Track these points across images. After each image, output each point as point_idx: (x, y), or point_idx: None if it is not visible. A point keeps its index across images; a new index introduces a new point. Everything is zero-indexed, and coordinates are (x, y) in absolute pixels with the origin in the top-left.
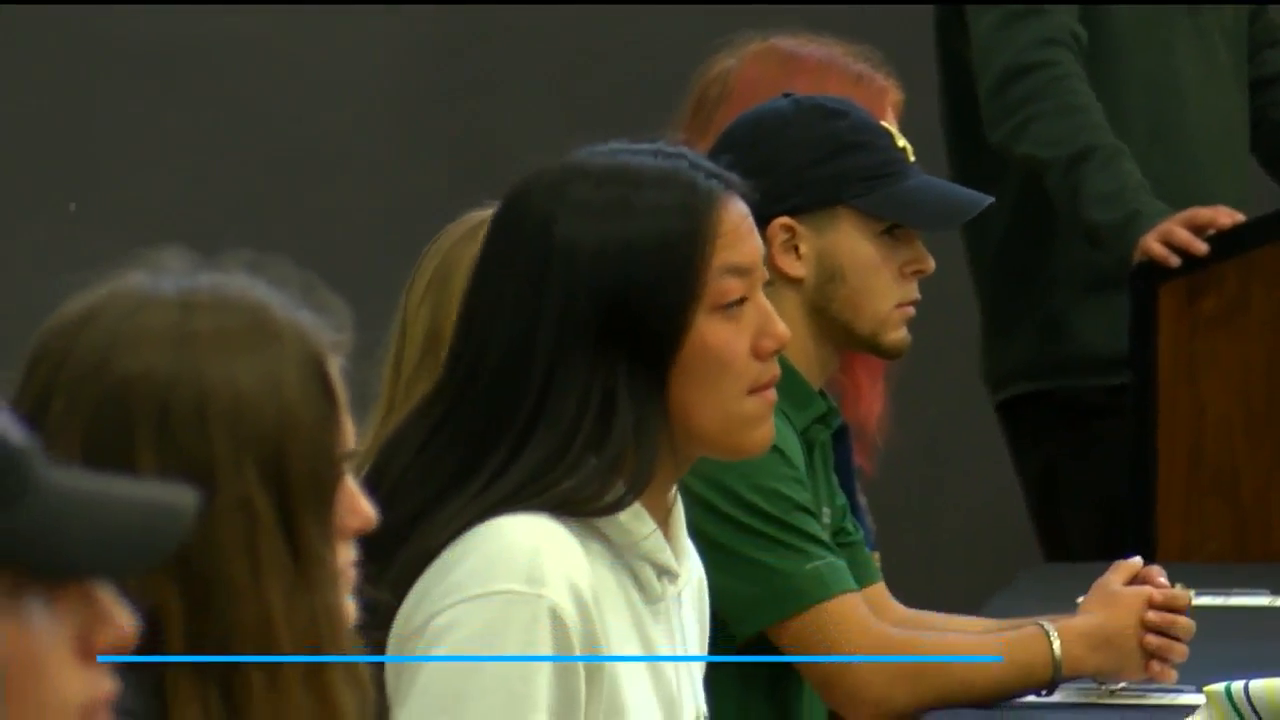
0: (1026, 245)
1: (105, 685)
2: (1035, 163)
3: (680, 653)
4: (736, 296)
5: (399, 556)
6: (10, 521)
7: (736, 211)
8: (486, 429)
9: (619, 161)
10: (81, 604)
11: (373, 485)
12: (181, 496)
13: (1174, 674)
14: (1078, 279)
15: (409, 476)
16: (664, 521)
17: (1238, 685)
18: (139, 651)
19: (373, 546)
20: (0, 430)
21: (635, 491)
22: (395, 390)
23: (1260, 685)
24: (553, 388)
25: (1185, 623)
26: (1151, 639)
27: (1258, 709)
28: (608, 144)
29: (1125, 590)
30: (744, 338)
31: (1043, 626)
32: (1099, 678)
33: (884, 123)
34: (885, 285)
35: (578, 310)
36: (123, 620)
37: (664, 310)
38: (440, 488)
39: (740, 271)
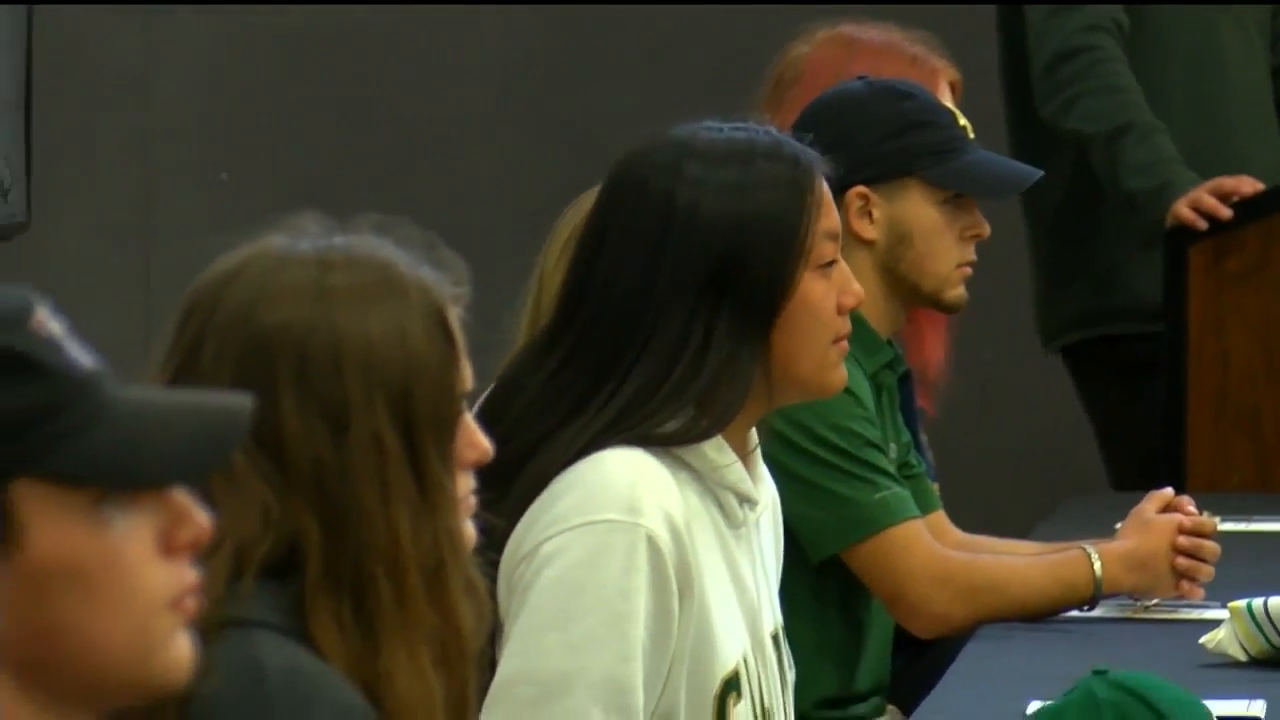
0: (1080, 209)
1: (189, 577)
2: (1080, 136)
3: (759, 572)
4: (830, 258)
5: (516, 483)
6: (87, 444)
7: (824, 183)
8: (599, 369)
9: (730, 138)
10: (161, 506)
11: (495, 417)
12: (239, 401)
13: (1201, 592)
14: (1127, 238)
15: (531, 409)
16: (745, 454)
17: (1258, 602)
18: (284, 571)
19: (493, 474)
20: (72, 359)
21: (721, 425)
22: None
23: (1279, 601)
24: (662, 336)
25: (1212, 546)
26: (1181, 561)
27: (1275, 623)
28: (704, 122)
29: (1158, 517)
30: (834, 294)
31: (1085, 549)
32: (1135, 595)
33: (945, 103)
34: (947, 248)
35: (693, 270)
36: (199, 518)
37: (775, 270)
38: (558, 419)
39: (833, 236)
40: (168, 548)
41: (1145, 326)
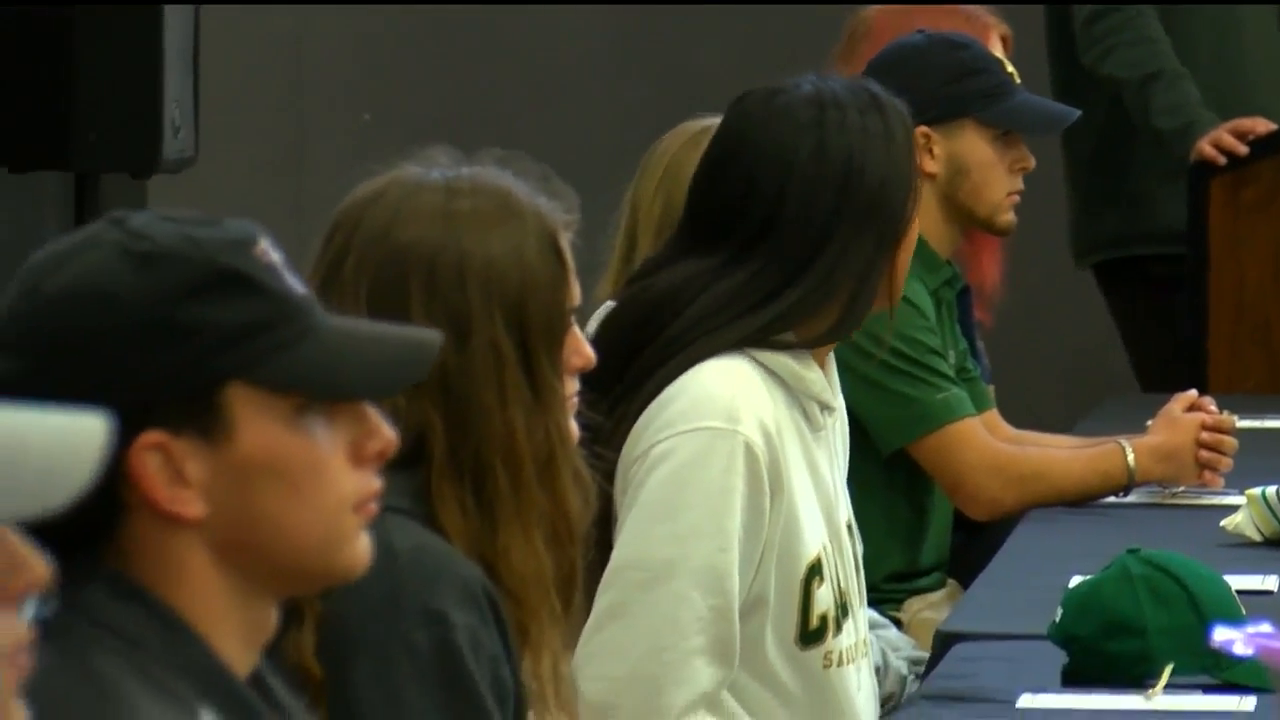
0: (1113, 145)
1: (374, 485)
2: (1115, 81)
3: (835, 470)
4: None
5: (649, 384)
6: (296, 358)
7: None
8: (749, 285)
9: (855, 88)
10: (354, 420)
11: (651, 322)
12: (430, 335)
13: (1221, 481)
14: (1154, 172)
15: (695, 318)
16: (824, 366)
17: (1272, 489)
18: (411, 462)
19: (628, 372)
20: (289, 285)
21: (854, 328)
22: (625, 263)
23: None
24: (813, 259)
25: (1231, 441)
26: (1204, 453)
27: None
28: (809, 75)
29: (1184, 415)
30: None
31: (1120, 443)
32: (1163, 484)
33: (995, 53)
34: (999, 178)
35: (850, 203)
36: (386, 432)
37: (907, 198)
38: (716, 325)
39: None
40: (357, 457)
41: (1167, 249)
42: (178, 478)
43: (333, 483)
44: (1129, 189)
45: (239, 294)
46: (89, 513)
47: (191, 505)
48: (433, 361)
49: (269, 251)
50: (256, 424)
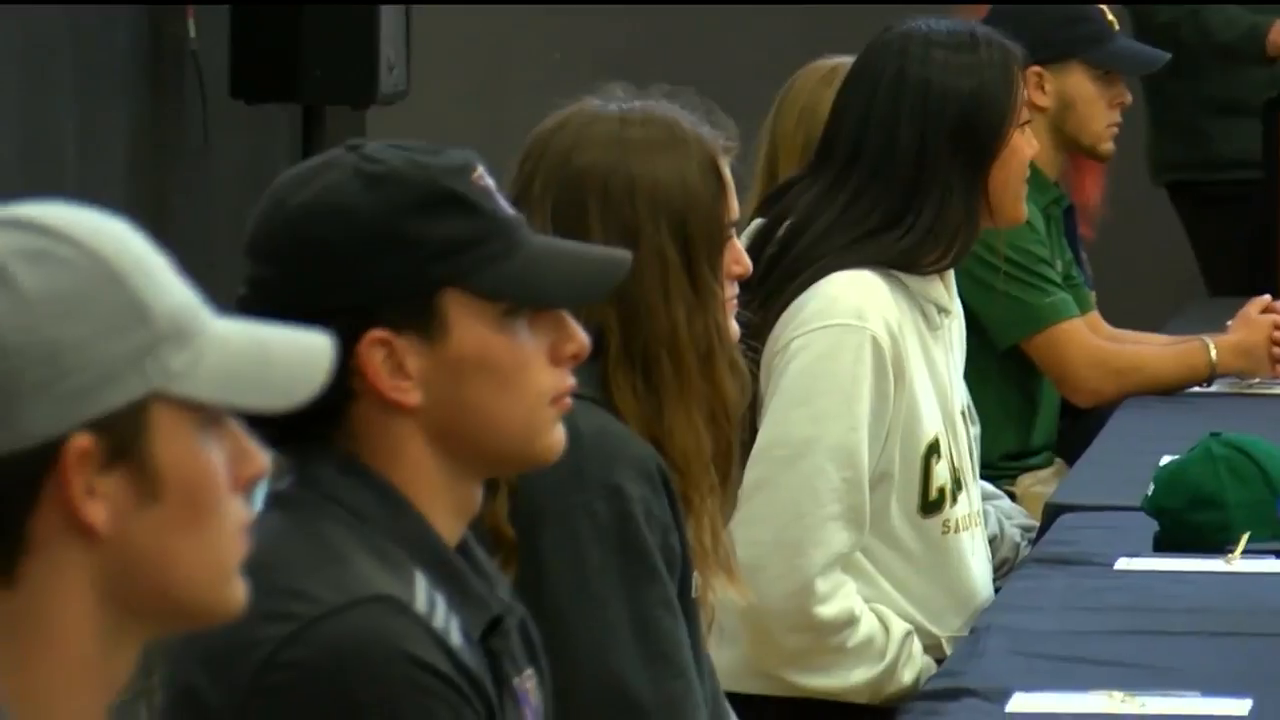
0: (1178, 81)
1: (569, 381)
2: (1173, 24)
3: (950, 364)
4: (1026, 119)
5: (787, 291)
6: (504, 269)
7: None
8: (871, 208)
9: (956, 29)
10: (553, 324)
11: (790, 237)
12: (621, 254)
13: None
14: (1211, 106)
15: (819, 228)
16: (943, 276)
17: None
18: (591, 355)
19: (774, 282)
20: (500, 206)
21: (963, 254)
22: (767, 185)
23: None
24: (919, 185)
25: None
26: (1277, 350)
27: None
28: (927, 18)
29: (1259, 316)
30: (1027, 145)
31: (1204, 341)
32: (1241, 375)
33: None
34: (1101, 112)
35: (939, 134)
36: (581, 336)
37: (994, 128)
38: (839, 239)
39: (1025, 103)
40: (555, 357)
41: (1221, 175)
42: (399, 370)
43: (533, 379)
44: (1187, 122)
45: (457, 212)
46: (323, 402)
47: (410, 395)
48: (622, 277)
49: (484, 176)
50: (469, 326)
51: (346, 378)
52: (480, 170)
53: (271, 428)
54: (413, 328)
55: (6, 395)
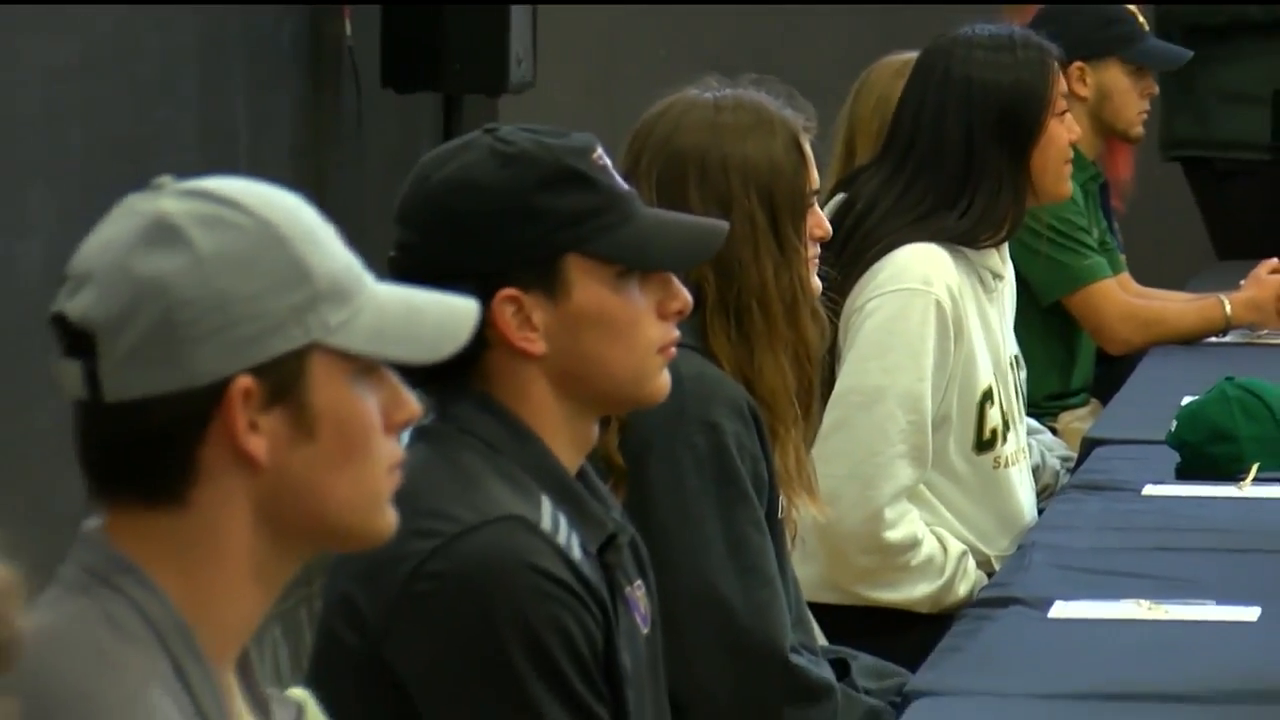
0: (1190, 70)
1: (674, 334)
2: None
3: (1004, 321)
4: (1063, 109)
5: (865, 257)
6: (620, 236)
7: (1056, 61)
8: (925, 193)
9: (998, 33)
10: (660, 285)
11: (861, 215)
12: (720, 225)
13: None
14: (1217, 93)
15: (883, 208)
16: (996, 246)
17: None
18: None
19: (851, 249)
20: (616, 183)
21: (1012, 232)
22: (845, 165)
23: None
24: (970, 171)
25: None
26: None
27: None
28: (977, 23)
29: (1268, 276)
30: (1066, 131)
31: (1220, 297)
32: (1253, 328)
33: (1130, 8)
34: (1134, 101)
35: (985, 123)
36: (685, 295)
37: (1040, 118)
38: (904, 223)
39: (1063, 94)
40: (662, 313)
41: (1225, 154)
42: (527, 323)
43: (643, 332)
44: (1198, 106)
45: (579, 188)
46: (461, 350)
47: (536, 345)
48: (720, 245)
49: (602, 156)
50: (587, 286)
51: (482, 329)
52: (599, 151)
53: (417, 372)
54: (539, 287)
55: (180, 340)
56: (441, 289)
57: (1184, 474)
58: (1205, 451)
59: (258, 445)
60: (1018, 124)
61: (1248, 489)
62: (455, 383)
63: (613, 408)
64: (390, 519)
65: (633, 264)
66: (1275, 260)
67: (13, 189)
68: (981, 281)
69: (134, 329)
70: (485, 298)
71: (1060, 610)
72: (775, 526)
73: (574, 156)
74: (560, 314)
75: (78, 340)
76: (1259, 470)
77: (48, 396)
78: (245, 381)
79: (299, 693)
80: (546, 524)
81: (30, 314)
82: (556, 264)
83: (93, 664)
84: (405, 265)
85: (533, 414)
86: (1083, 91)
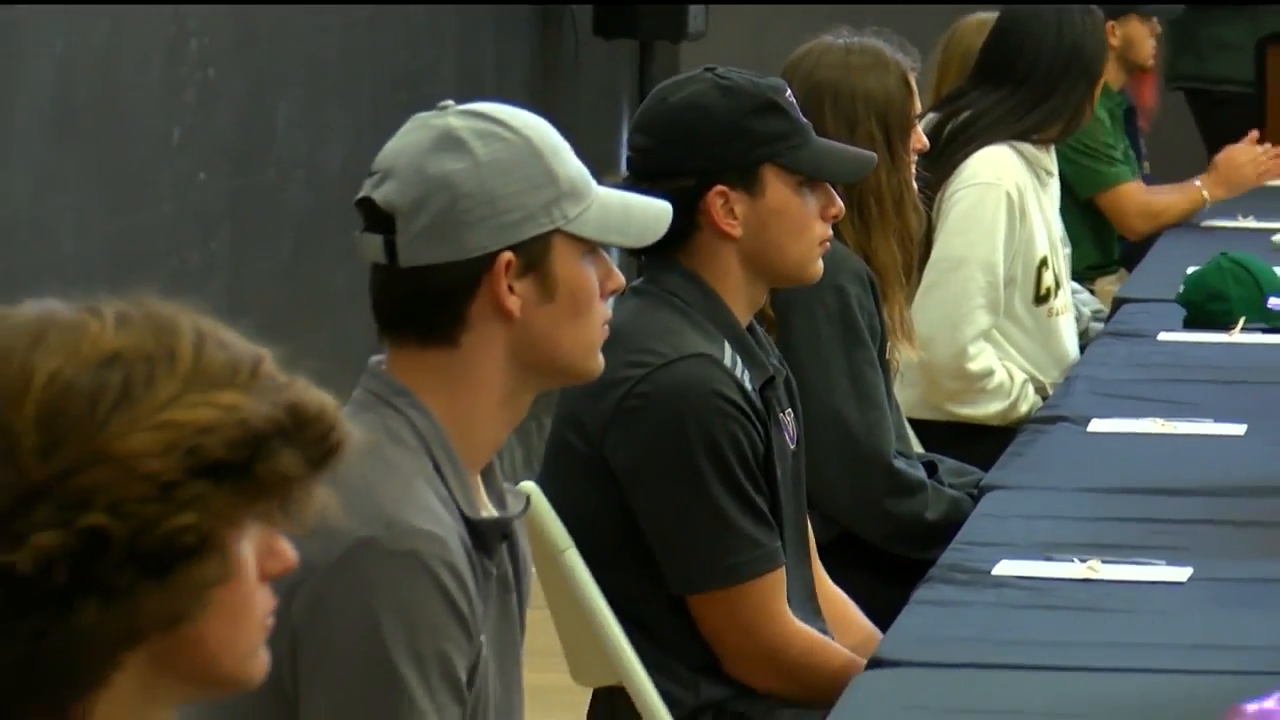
0: (1193, 23)
1: (829, 233)
2: None
3: (1053, 208)
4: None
5: (953, 161)
6: (802, 154)
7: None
8: (1011, 106)
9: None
10: (823, 194)
11: (955, 132)
12: (870, 156)
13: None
14: (1212, 42)
15: (971, 125)
16: (1047, 151)
17: None
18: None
19: (944, 157)
20: (800, 115)
21: (1060, 140)
22: (935, 96)
23: None
24: (1047, 95)
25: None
26: (1263, 163)
27: None
28: None
29: (1222, 157)
30: None
31: (1195, 183)
32: (1232, 192)
33: None
34: (1146, 43)
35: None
36: (840, 204)
37: (1097, 65)
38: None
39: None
40: (824, 215)
41: (1218, 88)
42: (730, 213)
43: (811, 227)
44: (1197, 50)
45: (776, 116)
46: (677, 231)
47: (736, 229)
48: (872, 168)
49: (791, 95)
50: (778, 189)
51: (695, 216)
52: (789, 91)
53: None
54: (742, 187)
55: (460, 224)
56: (668, 183)
57: (1189, 324)
58: (1205, 308)
59: (513, 303)
60: (1090, 69)
61: (1236, 336)
62: (666, 256)
63: (781, 282)
64: (600, 362)
65: (812, 175)
66: (1235, 145)
67: (318, 110)
68: (1037, 176)
69: (425, 213)
70: (701, 191)
71: (1096, 426)
72: (884, 365)
73: (773, 92)
74: (756, 208)
75: (381, 219)
76: (1245, 323)
77: (344, 263)
78: (507, 256)
79: (528, 485)
80: (727, 361)
81: (333, 202)
82: (757, 171)
83: (375, 462)
84: (642, 164)
85: (720, 281)
86: (1113, 41)
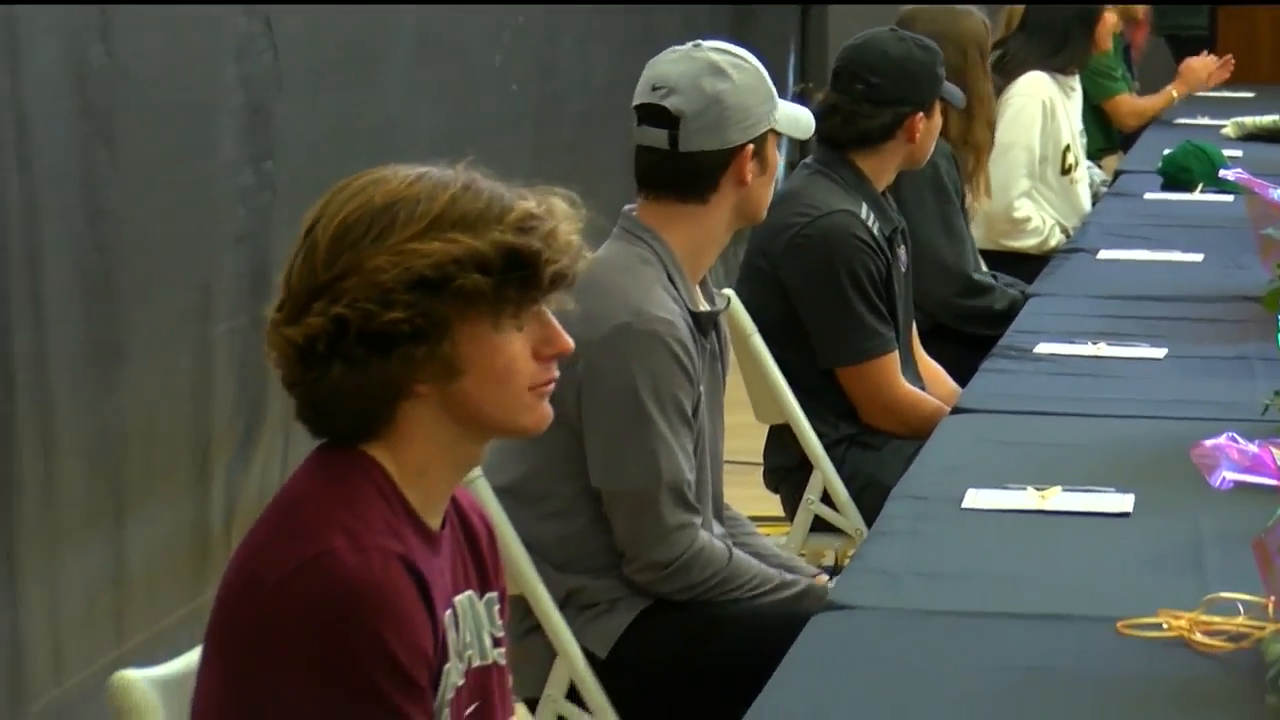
0: None
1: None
2: None
3: (1074, 111)
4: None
5: (1010, 79)
6: (950, 90)
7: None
8: (1042, 45)
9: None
10: (937, 119)
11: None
12: (960, 92)
13: (1226, 75)
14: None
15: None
16: (1070, 74)
17: (1249, 119)
18: None
19: (999, 78)
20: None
21: (1076, 71)
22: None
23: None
24: (1067, 38)
25: (1225, 61)
26: (1214, 70)
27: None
28: None
29: (1183, 67)
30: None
31: (1169, 89)
32: (1192, 91)
33: None
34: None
35: (1076, 14)
36: (938, 119)
37: (1100, 17)
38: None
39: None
40: (917, 137)
41: (1185, 31)
42: (918, 131)
43: (935, 135)
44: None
45: (940, 66)
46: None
47: (916, 142)
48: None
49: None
50: (936, 116)
51: (895, 132)
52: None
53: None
54: (925, 111)
55: (723, 125)
56: (892, 109)
57: (1165, 187)
58: (1175, 176)
59: (753, 170)
60: (1094, 18)
61: (1197, 195)
62: (840, 149)
63: (912, 167)
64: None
65: (956, 105)
66: (1193, 57)
67: (594, 44)
68: (1063, 90)
69: (703, 118)
70: (908, 115)
71: (1104, 255)
72: (964, 211)
73: (938, 53)
74: (929, 125)
75: (667, 119)
76: (1203, 187)
77: (605, 147)
78: (749, 146)
79: (729, 291)
80: (863, 215)
81: (605, 108)
82: (932, 100)
83: (629, 274)
84: (870, 94)
85: (876, 171)
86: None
